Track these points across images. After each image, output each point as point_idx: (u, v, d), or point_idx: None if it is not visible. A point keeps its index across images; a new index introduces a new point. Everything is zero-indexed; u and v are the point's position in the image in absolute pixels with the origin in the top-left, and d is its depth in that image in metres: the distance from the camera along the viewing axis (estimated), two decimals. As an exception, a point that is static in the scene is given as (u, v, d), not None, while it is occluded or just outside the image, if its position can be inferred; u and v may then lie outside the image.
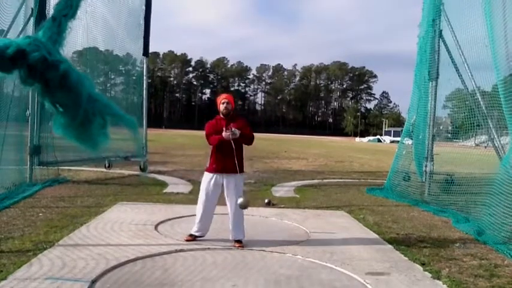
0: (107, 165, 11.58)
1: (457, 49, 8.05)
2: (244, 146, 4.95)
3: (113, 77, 13.87)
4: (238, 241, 4.77)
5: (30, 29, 7.80)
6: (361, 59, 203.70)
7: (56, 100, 3.64)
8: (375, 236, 5.56)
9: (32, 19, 7.94)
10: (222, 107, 4.88)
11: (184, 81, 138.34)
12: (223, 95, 5.00)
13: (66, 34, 3.77)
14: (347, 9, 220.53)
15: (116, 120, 4.05)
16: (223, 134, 4.69)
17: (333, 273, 4.03)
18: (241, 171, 4.84)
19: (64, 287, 3.33)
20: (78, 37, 9.39)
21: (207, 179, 4.88)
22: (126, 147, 11.78)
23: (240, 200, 4.57)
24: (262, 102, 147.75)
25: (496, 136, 7.25)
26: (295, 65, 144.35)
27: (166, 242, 4.80)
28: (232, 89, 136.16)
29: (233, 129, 4.67)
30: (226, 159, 4.75)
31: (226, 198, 4.85)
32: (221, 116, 4.92)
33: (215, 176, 4.83)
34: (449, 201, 7.86)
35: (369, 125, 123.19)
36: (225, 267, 4.07)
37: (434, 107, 8.82)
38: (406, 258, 4.58)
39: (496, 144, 7.22)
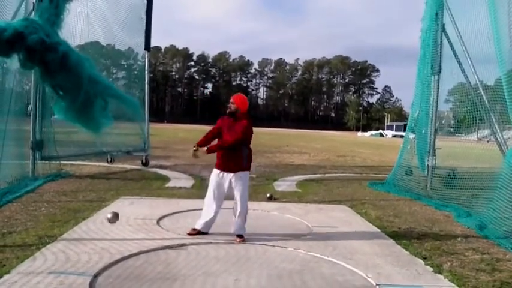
0: (109, 159, 11.61)
1: (459, 43, 8.01)
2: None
3: (114, 71, 13.85)
4: (239, 236, 4.78)
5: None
6: (364, 53, 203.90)
7: (57, 83, 3.62)
8: (377, 230, 5.57)
9: (33, 13, 7.91)
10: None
11: (186, 76, 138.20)
12: (234, 96, 4.96)
13: (64, 16, 3.73)
14: (350, 3, 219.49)
15: (118, 101, 4.02)
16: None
17: (335, 268, 4.04)
18: (244, 169, 4.84)
19: (67, 281, 3.34)
20: (79, 31, 9.36)
21: (214, 175, 4.91)
22: (128, 141, 11.80)
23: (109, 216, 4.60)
24: (264, 96, 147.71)
25: (498, 130, 7.22)
26: (297, 59, 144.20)
27: (169, 236, 4.82)
28: (234, 83, 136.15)
29: (196, 151, 4.77)
30: (227, 158, 4.79)
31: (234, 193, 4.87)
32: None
33: (221, 173, 4.85)
34: (451, 195, 7.86)
35: (371, 119, 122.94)
36: (227, 261, 4.09)
37: (437, 101, 8.79)
38: (408, 253, 4.59)
39: (499, 139, 7.19)
